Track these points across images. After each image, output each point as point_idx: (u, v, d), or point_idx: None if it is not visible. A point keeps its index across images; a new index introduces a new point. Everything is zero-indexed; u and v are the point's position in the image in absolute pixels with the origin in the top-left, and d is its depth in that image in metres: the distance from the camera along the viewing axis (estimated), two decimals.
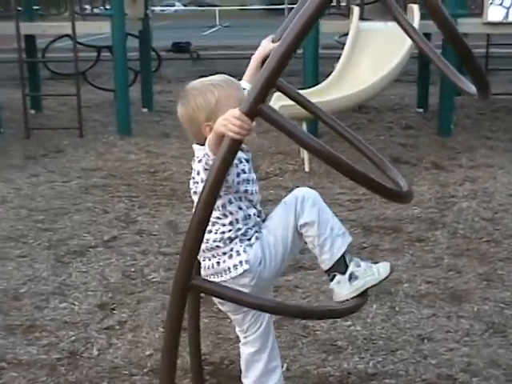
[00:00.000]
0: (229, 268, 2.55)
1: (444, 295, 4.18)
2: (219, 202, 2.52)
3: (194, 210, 2.36)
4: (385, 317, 3.93)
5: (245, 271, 2.54)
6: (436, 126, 8.83)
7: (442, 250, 4.88)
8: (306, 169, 7.00)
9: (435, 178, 6.68)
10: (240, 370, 2.93)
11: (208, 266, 2.60)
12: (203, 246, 2.45)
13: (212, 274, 2.59)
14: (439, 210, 5.74)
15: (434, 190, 6.27)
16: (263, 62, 2.82)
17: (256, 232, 2.64)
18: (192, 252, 2.29)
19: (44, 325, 3.89)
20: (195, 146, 2.61)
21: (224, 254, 2.56)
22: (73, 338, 3.75)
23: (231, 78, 2.66)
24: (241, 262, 2.54)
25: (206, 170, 2.40)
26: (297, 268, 4.56)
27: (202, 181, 2.45)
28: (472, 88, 2.49)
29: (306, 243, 2.67)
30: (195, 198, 2.56)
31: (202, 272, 2.62)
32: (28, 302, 4.17)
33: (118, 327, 3.86)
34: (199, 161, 2.47)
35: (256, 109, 2.11)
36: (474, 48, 2.21)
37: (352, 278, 2.63)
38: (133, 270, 4.63)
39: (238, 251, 2.55)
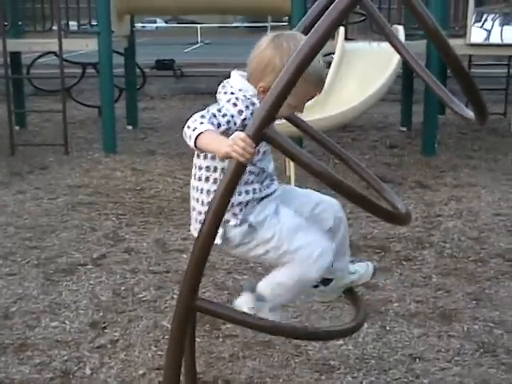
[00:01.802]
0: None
1: (434, 314, 4.22)
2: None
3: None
4: (376, 336, 3.95)
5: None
6: (420, 144, 8.92)
7: (430, 270, 4.93)
8: None
9: (420, 197, 6.74)
10: None
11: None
12: None
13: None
14: (426, 229, 5.80)
15: (420, 209, 6.32)
16: None
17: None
18: (195, 273, 2.31)
19: (36, 344, 3.87)
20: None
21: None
22: (65, 357, 3.74)
23: None
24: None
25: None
26: None
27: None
28: (468, 113, 2.54)
29: None
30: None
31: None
32: (19, 320, 4.15)
33: (110, 346, 3.86)
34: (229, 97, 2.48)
35: (261, 133, 2.14)
36: None
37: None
38: (123, 288, 4.63)
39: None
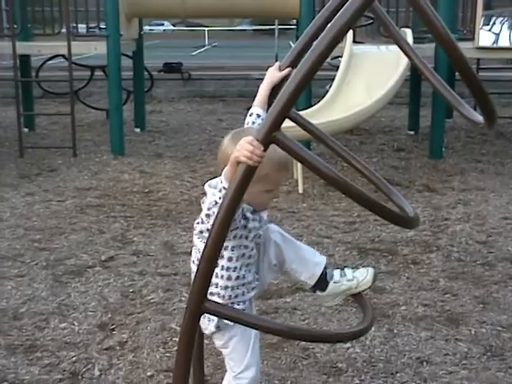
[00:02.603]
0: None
1: (441, 318, 4.22)
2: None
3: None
4: (383, 339, 3.96)
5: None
6: (427, 148, 8.93)
7: (437, 273, 4.93)
8: (300, 190, 7.05)
9: (428, 201, 6.75)
10: None
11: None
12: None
13: None
14: (433, 232, 5.80)
15: (428, 213, 6.33)
16: (272, 89, 2.87)
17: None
18: (205, 275, 2.33)
19: (45, 345, 3.90)
20: (208, 188, 2.62)
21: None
22: (74, 358, 3.76)
23: None
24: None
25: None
26: (295, 290, 4.60)
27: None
28: (476, 116, 2.55)
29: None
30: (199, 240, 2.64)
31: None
32: (28, 321, 4.18)
33: (118, 348, 3.88)
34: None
35: (270, 136, 2.16)
36: None
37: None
38: (131, 290, 4.65)
39: None
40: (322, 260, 2.86)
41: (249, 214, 2.58)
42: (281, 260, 2.81)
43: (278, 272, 2.91)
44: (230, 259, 2.59)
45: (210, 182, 2.59)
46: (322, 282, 2.85)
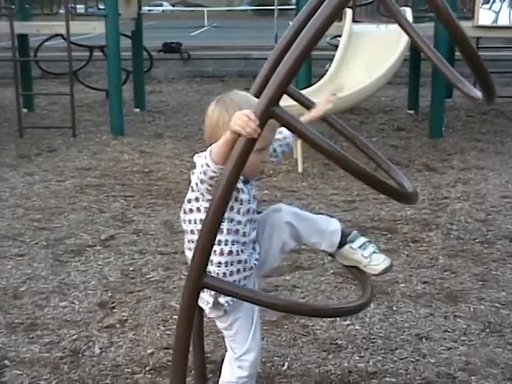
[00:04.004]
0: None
1: (440, 295, 4.24)
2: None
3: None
4: (383, 316, 3.98)
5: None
6: (427, 127, 8.92)
7: (436, 251, 4.94)
8: (300, 169, 7.05)
9: (427, 180, 6.75)
10: None
11: None
12: None
13: None
14: (433, 211, 5.81)
15: (427, 192, 6.33)
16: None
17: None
18: (204, 251, 2.33)
19: (45, 323, 3.91)
20: (198, 159, 2.60)
21: None
22: (74, 336, 3.77)
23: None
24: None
25: (202, 182, 2.41)
26: (294, 268, 4.62)
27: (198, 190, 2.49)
28: (476, 93, 2.55)
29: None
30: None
31: None
32: (28, 300, 4.19)
33: (118, 326, 3.89)
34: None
35: (269, 111, 2.15)
36: None
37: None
38: (131, 269, 4.66)
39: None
40: (337, 227, 2.81)
41: (240, 185, 2.54)
42: (298, 238, 2.79)
43: (294, 247, 2.90)
44: (220, 231, 2.51)
45: (199, 154, 2.59)
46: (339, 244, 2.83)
